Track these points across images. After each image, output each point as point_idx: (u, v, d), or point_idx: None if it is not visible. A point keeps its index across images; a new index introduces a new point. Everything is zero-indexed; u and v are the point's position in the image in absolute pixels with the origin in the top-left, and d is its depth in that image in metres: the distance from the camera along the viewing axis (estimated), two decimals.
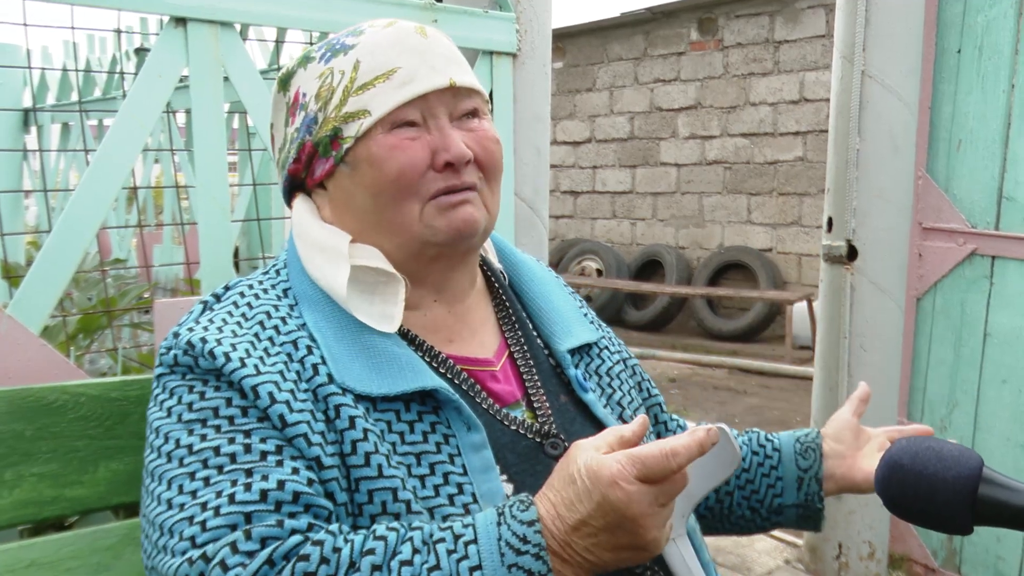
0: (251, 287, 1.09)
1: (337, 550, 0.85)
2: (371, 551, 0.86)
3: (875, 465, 1.18)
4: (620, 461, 0.86)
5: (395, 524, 0.90)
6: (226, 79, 1.78)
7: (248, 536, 0.85)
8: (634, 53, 9.69)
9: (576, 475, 0.88)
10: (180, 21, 1.70)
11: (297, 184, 1.14)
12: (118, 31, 4.47)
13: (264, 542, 0.85)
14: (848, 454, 1.28)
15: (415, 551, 0.86)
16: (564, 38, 10.15)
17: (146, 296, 3.26)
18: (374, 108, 1.03)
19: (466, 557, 0.85)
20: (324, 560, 0.84)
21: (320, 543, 0.85)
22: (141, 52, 4.85)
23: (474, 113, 1.10)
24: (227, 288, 1.10)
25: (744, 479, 1.32)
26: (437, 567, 0.84)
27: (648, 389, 1.34)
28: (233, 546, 0.84)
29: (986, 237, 2.82)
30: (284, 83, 1.14)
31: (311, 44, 3.00)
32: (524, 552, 0.85)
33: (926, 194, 2.96)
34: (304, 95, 1.09)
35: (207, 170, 1.75)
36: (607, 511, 0.85)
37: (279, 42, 4.03)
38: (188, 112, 4.41)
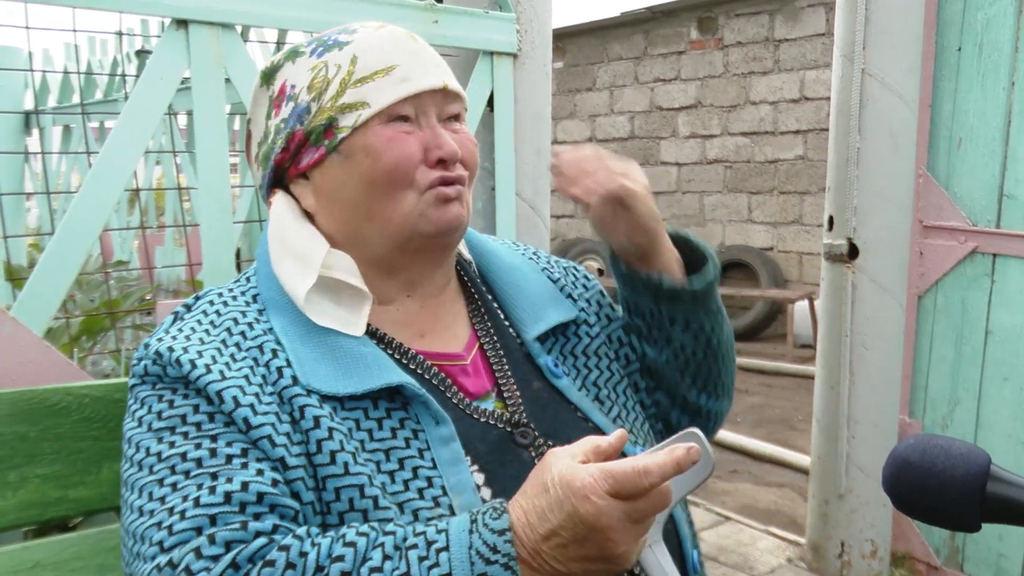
0: (220, 295, 1.11)
1: (304, 554, 0.86)
2: (340, 558, 0.86)
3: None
4: (592, 474, 0.85)
5: (365, 528, 0.90)
6: (227, 80, 1.79)
7: (212, 540, 0.86)
8: (634, 52, 9.69)
9: (549, 484, 0.88)
10: (182, 23, 1.70)
11: (278, 177, 1.15)
12: (120, 33, 4.47)
13: (228, 546, 0.86)
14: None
15: (386, 557, 0.86)
16: (564, 38, 10.15)
17: (148, 298, 3.26)
18: (373, 101, 1.06)
19: (437, 565, 0.85)
20: (290, 565, 0.85)
21: (286, 548, 0.86)
22: (142, 54, 4.86)
23: (457, 117, 1.15)
24: (197, 298, 1.12)
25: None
26: (407, 574, 0.85)
27: (627, 356, 1.30)
28: (197, 551, 0.85)
29: (987, 235, 2.82)
30: (268, 77, 1.15)
31: None
32: (494, 562, 0.85)
33: (927, 192, 2.96)
34: (293, 87, 1.11)
35: (209, 171, 1.75)
36: (576, 523, 0.85)
37: (280, 43, 4.03)
38: (189, 114, 4.41)
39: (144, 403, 1.01)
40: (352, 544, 0.87)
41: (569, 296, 1.29)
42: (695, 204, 9.27)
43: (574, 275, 1.34)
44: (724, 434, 5.03)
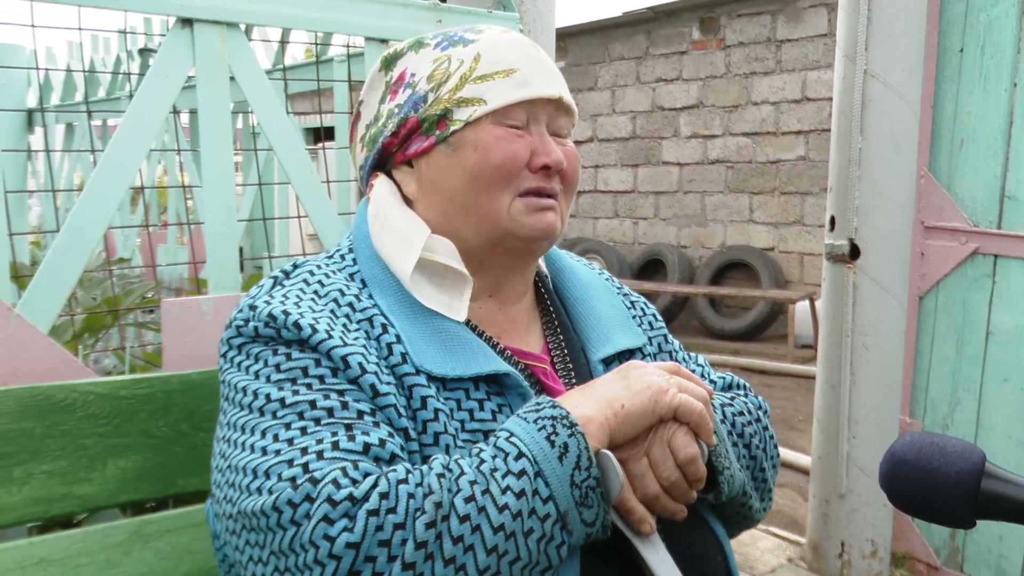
0: (319, 267, 1.12)
1: (417, 468, 0.91)
2: (437, 458, 0.93)
3: None
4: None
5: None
6: (231, 79, 1.79)
7: (356, 467, 0.88)
8: (636, 52, 9.69)
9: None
10: (187, 22, 1.70)
11: (382, 160, 1.17)
12: (123, 32, 4.48)
13: (366, 475, 0.88)
14: None
15: (466, 454, 0.95)
16: (566, 37, 10.15)
17: (150, 295, 3.27)
18: (490, 99, 1.09)
19: (499, 437, 0.95)
20: (409, 472, 0.89)
21: (402, 463, 0.92)
22: (145, 52, 4.86)
23: (564, 131, 1.17)
24: (295, 266, 1.13)
25: None
26: (482, 450, 0.94)
27: None
28: (343, 470, 0.87)
29: (988, 236, 2.83)
30: (389, 63, 1.18)
31: (315, 44, 3.01)
32: (541, 408, 0.97)
33: (928, 193, 2.97)
34: (413, 75, 1.14)
35: (214, 170, 1.76)
36: (624, 376, 1.04)
37: (283, 42, 4.04)
38: (192, 112, 4.42)
39: (258, 357, 1.00)
40: (442, 455, 0.95)
41: (641, 324, 1.31)
42: (696, 204, 9.27)
43: (643, 310, 1.35)
44: None
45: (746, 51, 8.72)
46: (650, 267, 9.56)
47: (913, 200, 2.95)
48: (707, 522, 1.17)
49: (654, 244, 9.59)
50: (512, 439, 0.93)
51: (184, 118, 4.70)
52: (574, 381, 1.18)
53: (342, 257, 1.15)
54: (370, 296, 1.08)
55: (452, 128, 1.09)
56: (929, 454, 0.87)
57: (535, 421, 0.94)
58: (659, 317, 1.35)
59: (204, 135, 1.75)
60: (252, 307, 1.04)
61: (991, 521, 0.85)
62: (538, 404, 0.97)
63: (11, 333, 1.49)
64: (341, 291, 1.07)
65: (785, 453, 4.76)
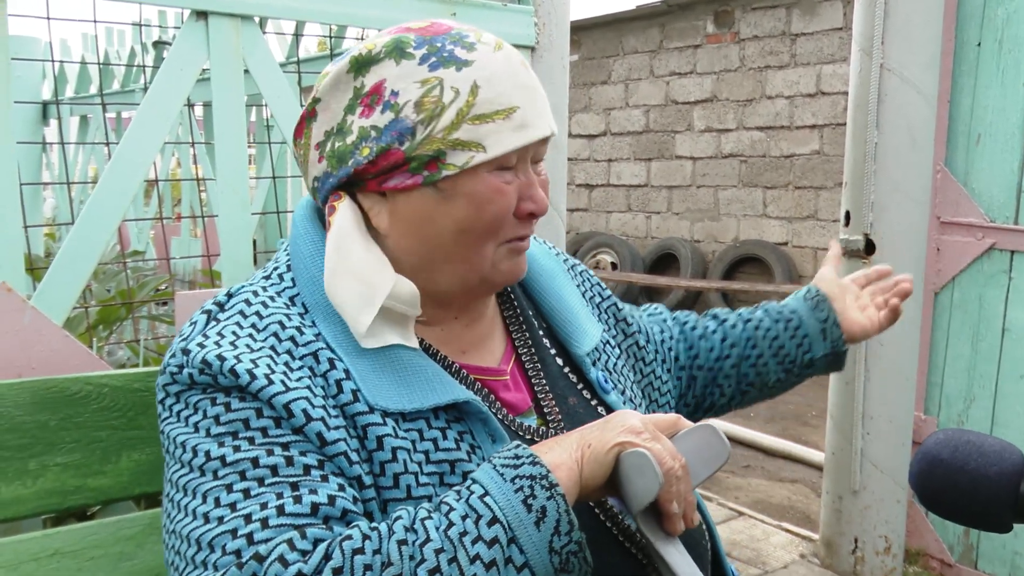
0: (256, 294, 1.02)
1: (374, 528, 0.85)
2: (399, 517, 0.87)
3: (859, 316, 1.39)
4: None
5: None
6: (245, 72, 1.79)
7: (303, 536, 0.83)
8: (650, 46, 9.65)
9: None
10: (201, 15, 1.70)
11: (350, 182, 1.03)
12: (138, 24, 4.49)
13: (316, 543, 0.84)
14: (839, 305, 1.44)
15: (433, 510, 0.88)
16: (579, 31, 10.12)
17: (164, 288, 3.28)
18: (490, 145, 0.97)
19: (472, 493, 0.87)
20: (366, 536, 0.84)
21: (357, 525, 0.86)
22: (159, 45, 4.88)
23: (541, 156, 1.09)
24: (229, 296, 1.04)
25: (775, 346, 1.39)
26: (452, 509, 0.86)
27: (641, 371, 1.31)
28: (290, 543, 0.82)
29: (1005, 231, 2.80)
30: (361, 67, 1.00)
31: (329, 37, 3.01)
32: (520, 464, 0.88)
33: (944, 188, 2.95)
34: (395, 94, 0.98)
35: (228, 163, 1.76)
36: (605, 420, 0.96)
37: (297, 35, 4.04)
38: (206, 105, 4.43)
39: (196, 407, 0.94)
40: (405, 508, 0.88)
41: (596, 308, 1.29)
42: (710, 198, 9.24)
43: (589, 281, 1.32)
44: (737, 429, 5.02)
45: (760, 45, 8.68)
46: (663, 261, 9.54)
47: (929, 195, 2.94)
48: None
49: (667, 238, 9.57)
50: (486, 499, 0.86)
51: (198, 111, 4.71)
52: (544, 382, 1.14)
53: (280, 277, 1.06)
54: (313, 324, 1.00)
55: (445, 173, 0.97)
56: (966, 453, 0.82)
57: (512, 480, 0.87)
58: (604, 285, 1.34)
59: (218, 128, 1.75)
60: (185, 351, 0.95)
61: None
62: (517, 457, 0.89)
63: (26, 325, 1.50)
64: (281, 323, 0.98)
65: (798, 449, 4.75)
